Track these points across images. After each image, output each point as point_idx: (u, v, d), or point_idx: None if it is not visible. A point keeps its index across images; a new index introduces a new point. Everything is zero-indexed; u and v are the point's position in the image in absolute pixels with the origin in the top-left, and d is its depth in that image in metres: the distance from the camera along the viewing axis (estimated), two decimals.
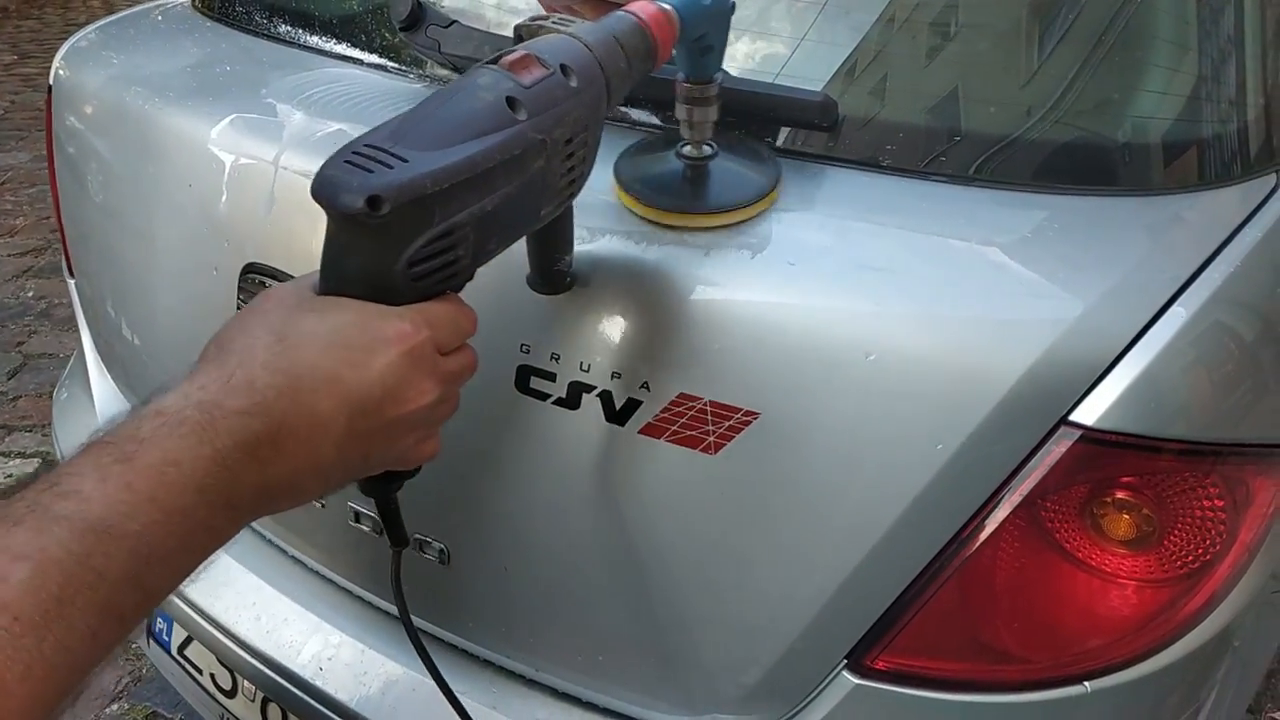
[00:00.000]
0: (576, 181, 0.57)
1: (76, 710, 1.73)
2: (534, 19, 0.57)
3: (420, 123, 0.48)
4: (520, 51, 0.52)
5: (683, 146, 0.72)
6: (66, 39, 1.21)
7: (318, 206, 0.83)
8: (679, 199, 0.72)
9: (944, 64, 0.84)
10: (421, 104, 0.50)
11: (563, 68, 0.52)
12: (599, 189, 0.71)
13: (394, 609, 0.96)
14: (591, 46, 0.54)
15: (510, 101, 0.49)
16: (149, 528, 0.37)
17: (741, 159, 0.75)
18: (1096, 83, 0.78)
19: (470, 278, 0.54)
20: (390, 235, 0.46)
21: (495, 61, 0.51)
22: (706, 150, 0.72)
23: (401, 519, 0.66)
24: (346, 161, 0.46)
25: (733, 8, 0.66)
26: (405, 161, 0.45)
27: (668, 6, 0.61)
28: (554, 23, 0.56)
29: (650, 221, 0.72)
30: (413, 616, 0.95)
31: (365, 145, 0.46)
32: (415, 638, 0.72)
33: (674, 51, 0.63)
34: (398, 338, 0.46)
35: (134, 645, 1.87)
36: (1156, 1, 0.81)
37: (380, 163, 0.45)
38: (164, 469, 0.38)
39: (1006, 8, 0.85)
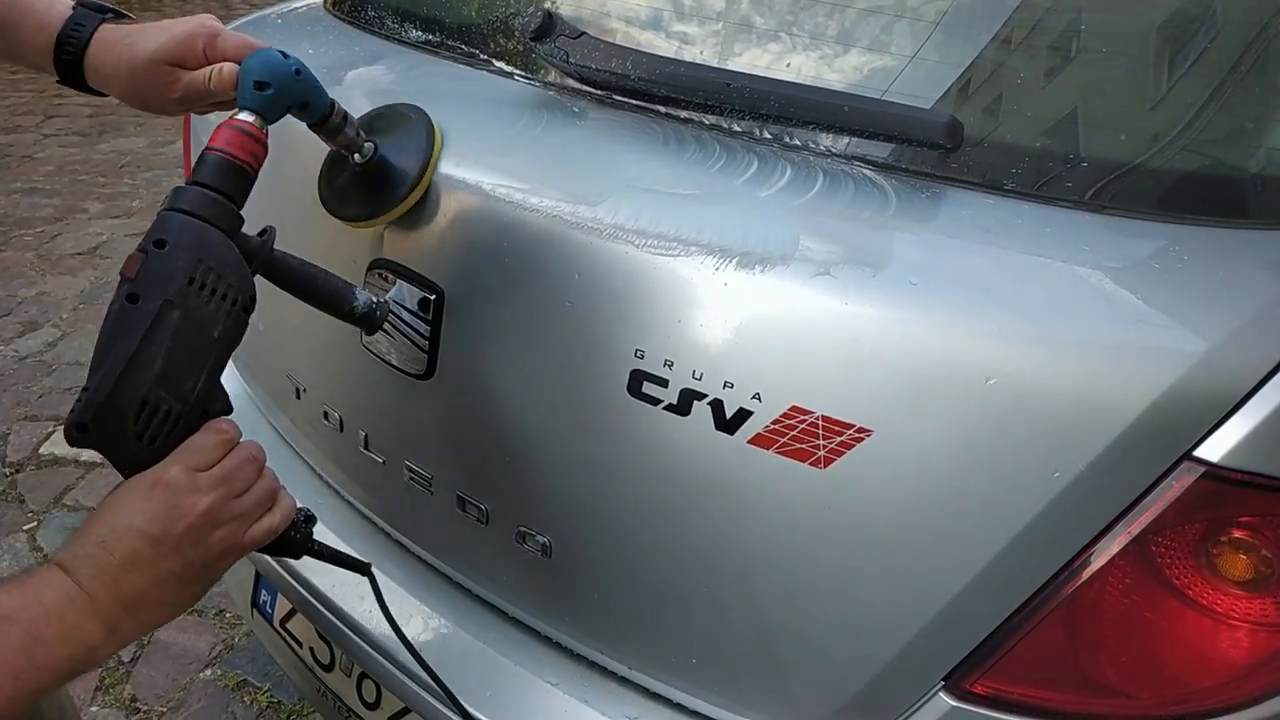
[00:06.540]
0: (228, 297, 0.68)
1: (172, 672, 1.82)
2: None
3: (96, 356, 0.64)
4: (131, 254, 0.66)
5: (353, 157, 0.87)
6: None
7: (445, 206, 0.87)
8: (363, 207, 0.88)
9: (1067, 86, 0.83)
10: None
11: (156, 243, 0.65)
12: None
13: (491, 597, 0.99)
14: (183, 207, 0.67)
15: (130, 298, 0.64)
16: (33, 622, 0.59)
17: (399, 143, 0.88)
18: (1229, 110, 0.77)
19: (226, 408, 0.71)
20: (111, 436, 0.64)
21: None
22: (369, 150, 0.86)
23: (343, 556, 0.84)
24: (71, 411, 0.63)
25: (300, 67, 0.76)
26: (88, 390, 0.62)
27: (245, 119, 0.71)
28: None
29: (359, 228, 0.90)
30: (511, 608, 0.98)
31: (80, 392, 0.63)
32: (403, 636, 0.89)
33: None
34: (152, 483, 0.65)
35: (228, 614, 1.96)
36: None
37: (79, 401, 0.63)
38: (40, 587, 0.61)
39: (1135, 30, 0.83)
